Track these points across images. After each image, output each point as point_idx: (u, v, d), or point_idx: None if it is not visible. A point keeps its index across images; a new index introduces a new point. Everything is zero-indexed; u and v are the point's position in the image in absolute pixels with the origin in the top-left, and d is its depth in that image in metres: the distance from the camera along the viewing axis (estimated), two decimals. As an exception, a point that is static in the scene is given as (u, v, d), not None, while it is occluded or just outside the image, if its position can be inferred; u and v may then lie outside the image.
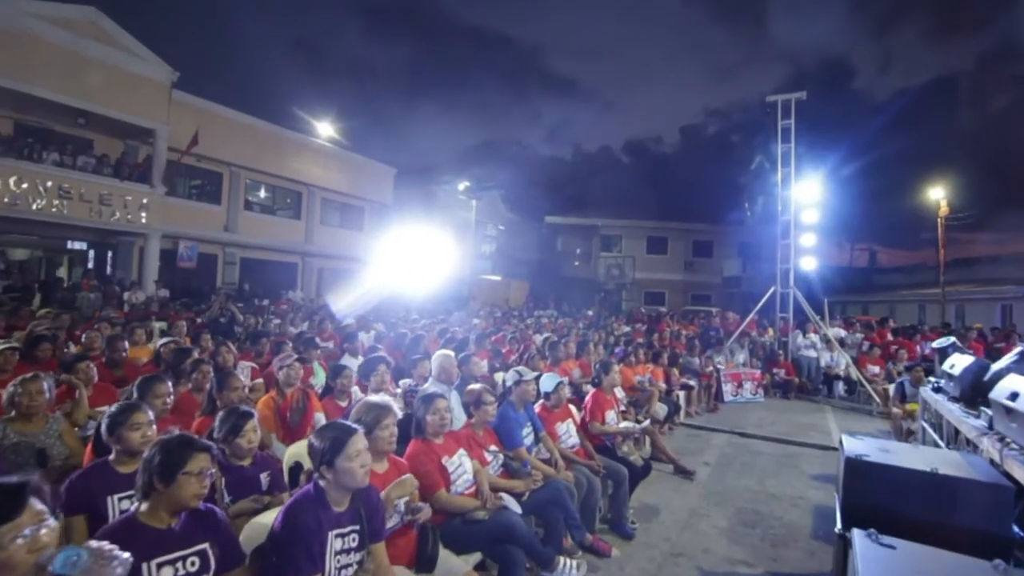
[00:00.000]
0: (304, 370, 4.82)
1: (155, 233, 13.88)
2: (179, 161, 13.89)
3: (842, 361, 9.61)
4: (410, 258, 19.85)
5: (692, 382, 8.03)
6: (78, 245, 14.98)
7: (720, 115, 76.19)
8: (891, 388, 6.60)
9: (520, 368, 3.48)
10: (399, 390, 4.79)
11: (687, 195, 31.84)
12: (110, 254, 14.73)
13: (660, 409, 5.89)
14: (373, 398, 2.30)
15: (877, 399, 8.25)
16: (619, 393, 5.16)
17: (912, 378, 5.97)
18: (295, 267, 19.48)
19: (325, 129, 20.54)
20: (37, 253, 16.20)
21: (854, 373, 9.13)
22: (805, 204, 10.02)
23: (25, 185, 11.48)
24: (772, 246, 10.78)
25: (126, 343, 4.32)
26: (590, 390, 4.28)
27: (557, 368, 5.64)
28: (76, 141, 13.34)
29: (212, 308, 7.58)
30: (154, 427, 2.17)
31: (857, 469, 2.57)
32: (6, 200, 11.24)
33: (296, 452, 2.96)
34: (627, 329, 11.66)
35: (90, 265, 14.60)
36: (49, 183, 11.80)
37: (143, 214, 13.45)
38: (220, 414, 2.38)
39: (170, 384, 2.76)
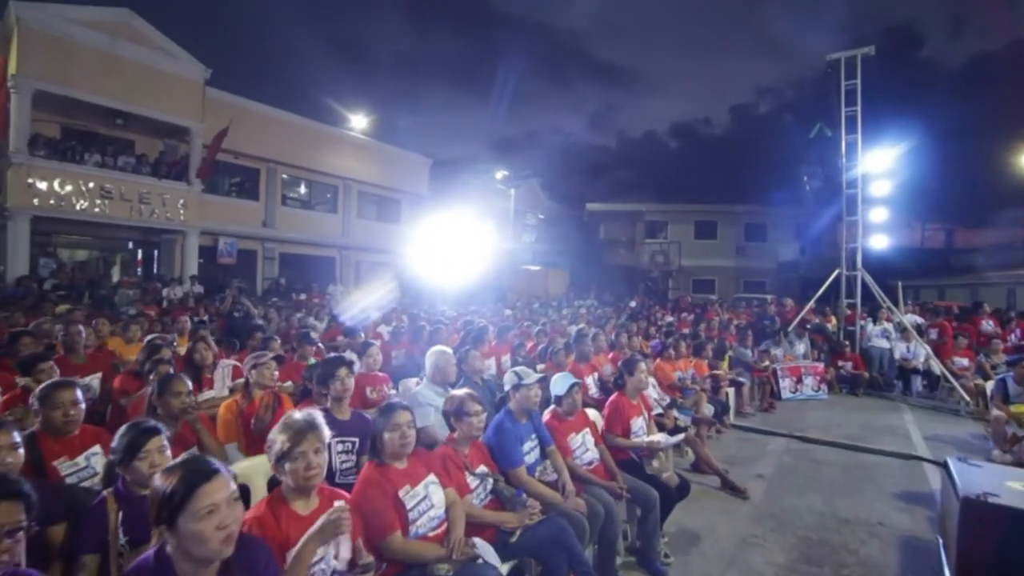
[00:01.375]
0: (294, 368, 4.41)
1: (193, 230, 14.07)
2: (212, 158, 13.96)
3: (921, 352, 8.42)
4: (447, 249, 19.53)
5: (743, 378, 7.16)
6: (131, 245, 15.46)
7: (772, 93, 71.87)
8: (988, 386, 5.55)
9: (519, 369, 2.87)
10: (394, 391, 4.29)
11: (738, 177, 29.97)
12: (156, 252, 15.11)
13: (708, 411, 5.13)
14: (296, 415, 1.75)
15: (967, 397, 7.10)
16: (652, 394, 4.47)
17: (1017, 375, 4.94)
18: (333, 261, 19.53)
19: (360, 122, 20.47)
20: (95, 253, 16.87)
21: (936, 366, 7.96)
22: (875, 175, 8.81)
23: (69, 187, 11.79)
24: (833, 226, 9.63)
25: (81, 336, 3.99)
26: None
27: (584, 364, 4.98)
28: (118, 142, 13.65)
29: (224, 303, 7.38)
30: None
31: (980, 514, 1.81)
32: (51, 201, 11.57)
33: (247, 469, 2.47)
34: (671, 319, 10.78)
35: (139, 264, 15.02)
36: (91, 184, 12.08)
37: (181, 211, 13.65)
38: (120, 428, 1.90)
39: (78, 391, 2.33)
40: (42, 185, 11.43)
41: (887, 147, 9.04)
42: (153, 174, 13.36)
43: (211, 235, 15.44)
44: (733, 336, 8.38)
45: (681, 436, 3.55)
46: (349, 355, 3.92)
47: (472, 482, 2.33)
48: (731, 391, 6.62)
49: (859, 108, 8.72)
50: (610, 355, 5.96)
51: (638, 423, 3.33)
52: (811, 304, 9.99)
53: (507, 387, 2.85)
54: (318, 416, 1.77)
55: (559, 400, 3.07)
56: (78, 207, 11.95)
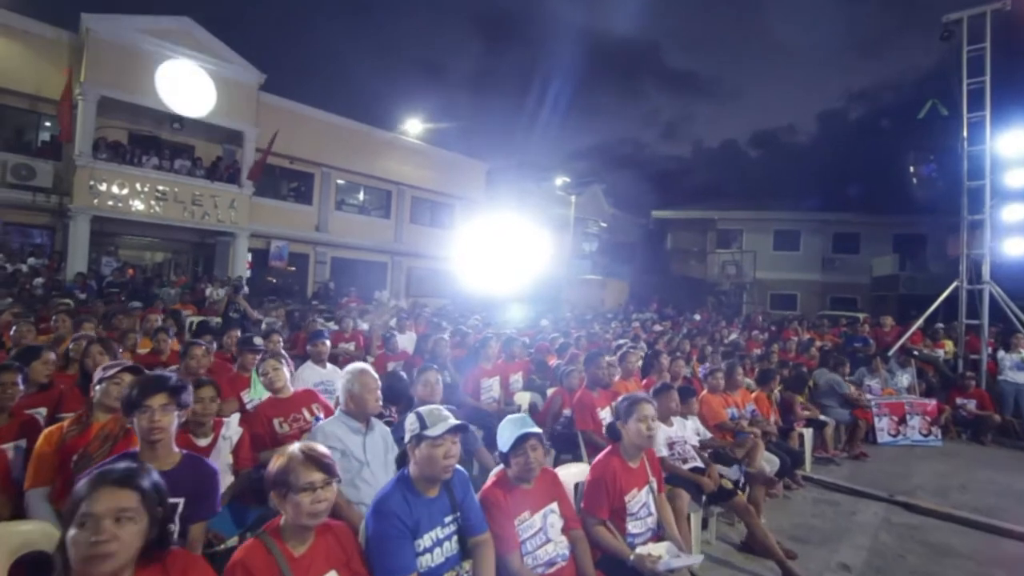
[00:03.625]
0: (238, 380, 3.63)
1: (243, 232, 14.20)
2: (263, 161, 14.05)
3: (1076, 392, 6.42)
4: (501, 257, 18.77)
5: (832, 414, 5.65)
6: (190, 247, 15.97)
7: (865, 98, 65.65)
8: None
9: (424, 410, 1.85)
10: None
11: (825, 184, 26.97)
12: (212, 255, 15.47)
13: (768, 465, 3.79)
14: None
15: None
16: (691, 439, 3.29)
17: None
18: (385, 266, 19.34)
19: (415, 126, 20.27)
20: (168, 255, 17.67)
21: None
22: (1008, 161, 6.92)
23: (127, 189, 12.16)
24: (944, 233, 7.74)
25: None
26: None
27: (599, 393, 3.85)
28: (180, 147, 14.08)
29: (219, 303, 6.94)
30: None
31: None
32: (110, 203, 11.96)
33: (29, 534, 1.65)
34: (735, 336, 9.22)
35: (191, 265, 15.42)
36: (147, 185, 12.41)
37: (231, 214, 13.79)
38: None
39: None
40: (102, 187, 11.84)
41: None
42: (207, 177, 13.63)
43: (264, 238, 15.62)
44: (813, 361, 6.82)
45: (696, 561, 2.17)
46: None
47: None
48: (808, 432, 5.17)
49: (987, 79, 6.90)
50: (644, 381, 4.76)
51: (638, 499, 2.19)
52: (918, 325, 8.11)
53: (406, 436, 1.84)
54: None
55: (506, 459, 2.02)
56: (134, 208, 12.29)
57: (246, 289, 9.76)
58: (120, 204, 12.09)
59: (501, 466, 2.06)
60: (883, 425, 6.36)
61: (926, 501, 4.32)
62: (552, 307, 17.39)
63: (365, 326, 7.78)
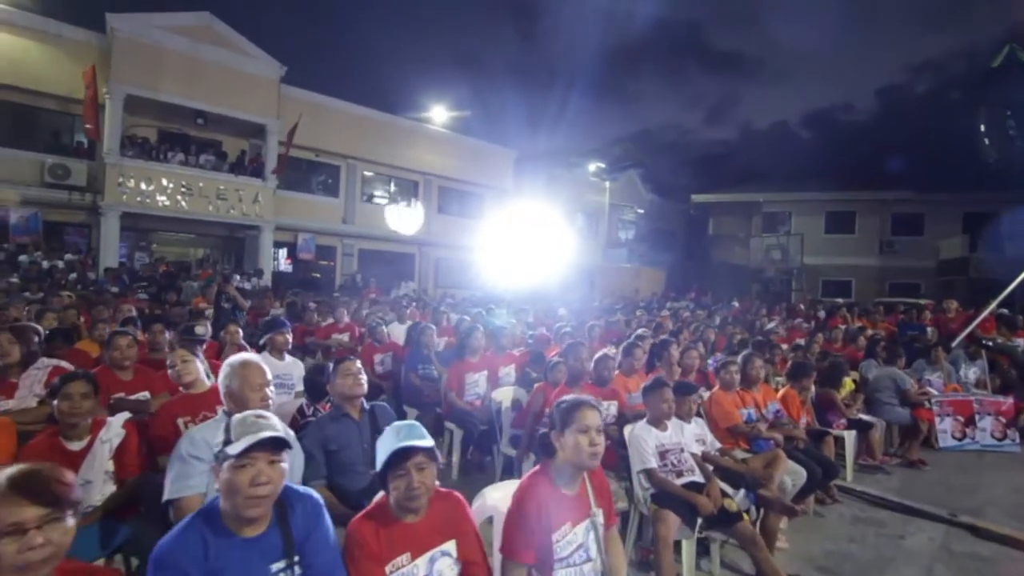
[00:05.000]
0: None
1: (268, 225, 14.27)
2: (286, 153, 14.03)
3: None
4: (531, 246, 18.24)
5: (879, 415, 4.85)
6: (219, 241, 16.25)
7: (932, 69, 60.45)
8: None
9: (238, 417, 1.35)
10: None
11: (886, 163, 24.76)
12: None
13: (790, 479, 3.11)
14: None
15: None
16: (693, 446, 2.70)
17: None
18: (412, 257, 19.18)
19: (440, 115, 19.92)
20: (204, 250, 18.09)
21: None
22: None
23: (153, 184, 12.37)
24: (1020, 209, 6.61)
25: None
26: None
27: (578, 389, 3.29)
28: (208, 143, 14.25)
29: (209, 293, 6.75)
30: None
31: None
32: (138, 198, 12.20)
33: None
34: (772, 325, 8.34)
35: (212, 260, 15.63)
36: (173, 181, 12.59)
37: (256, 207, 13.86)
38: None
39: None
40: (130, 183, 12.09)
41: None
42: (232, 172, 13.74)
43: (291, 231, 15.70)
44: (860, 352, 5.97)
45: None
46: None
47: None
48: (849, 436, 4.40)
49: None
50: (648, 374, 4.14)
51: (571, 538, 1.61)
52: (990, 310, 7.03)
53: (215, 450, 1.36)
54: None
55: (383, 481, 1.52)
56: (161, 203, 12.50)
57: (237, 278, 9.71)
58: (148, 200, 12.32)
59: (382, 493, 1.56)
60: (946, 427, 5.46)
61: (998, 524, 3.52)
62: (584, 297, 16.77)
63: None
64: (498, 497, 1.86)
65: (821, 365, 5.08)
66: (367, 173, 17.75)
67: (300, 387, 3.87)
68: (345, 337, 6.19)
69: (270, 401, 2.06)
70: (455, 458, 4.13)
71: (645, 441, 2.75)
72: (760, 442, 3.28)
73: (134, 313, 4.83)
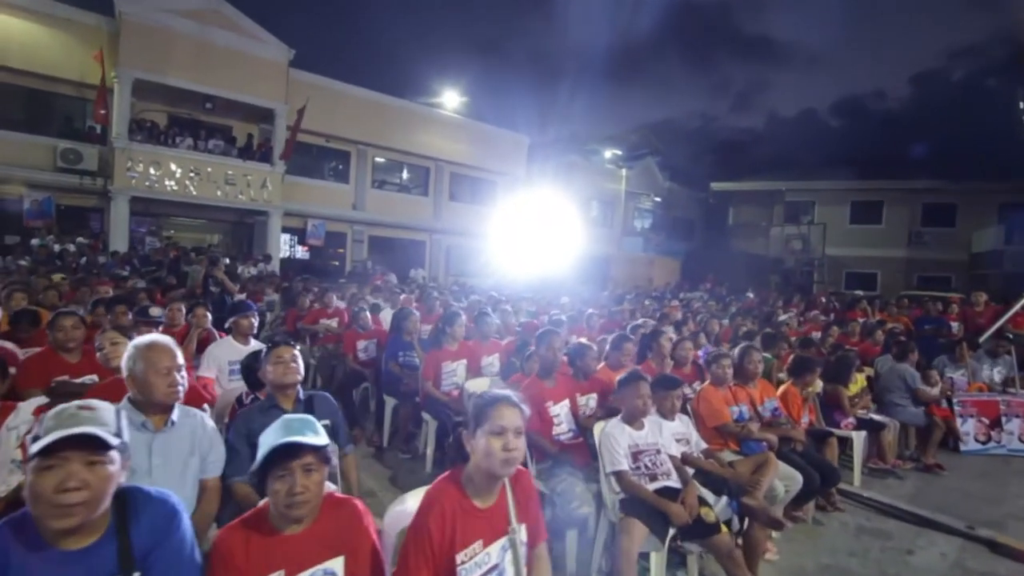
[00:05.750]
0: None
1: (276, 211, 14.22)
2: (293, 137, 13.92)
3: None
4: (544, 235, 17.95)
5: (892, 416, 4.48)
6: (230, 226, 16.29)
7: (971, 55, 57.60)
8: None
9: (53, 411, 1.11)
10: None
11: (916, 150, 23.66)
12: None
13: (783, 485, 2.80)
14: None
15: None
16: (670, 448, 2.44)
17: None
18: (423, 245, 19.03)
19: (452, 100, 19.63)
20: (217, 235, 18.20)
21: None
22: None
23: (161, 169, 12.38)
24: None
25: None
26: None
27: (552, 382, 3.03)
28: (217, 128, 14.22)
29: (196, 276, 6.64)
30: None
31: None
32: (147, 183, 12.22)
33: None
34: (785, 317, 7.92)
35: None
36: (181, 166, 12.59)
37: (264, 192, 13.81)
38: None
39: None
40: (139, 168, 12.11)
41: None
42: (240, 157, 13.69)
43: (301, 217, 15.65)
44: (878, 347, 5.57)
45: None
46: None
47: None
48: (858, 436, 4.06)
49: None
50: (638, 366, 3.86)
51: (480, 559, 1.35)
52: (1022, 304, 6.51)
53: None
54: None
55: (261, 485, 1.29)
56: (169, 188, 12.52)
57: (227, 261, 9.65)
58: (156, 184, 12.34)
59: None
60: (969, 429, 5.05)
61: (1021, 540, 3.17)
62: (597, 286, 16.44)
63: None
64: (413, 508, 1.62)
65: (831, 361, 4.72)
66: (378, 159, 17.58)
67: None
68: (334, 323, 6.02)
69: (179, 388, 1.85)
70: (429, 451, 3.92)
71: (616, 440, 2.49)
72: (751, 444, 2.97)
73: (111, 294, 4.72)
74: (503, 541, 1.43)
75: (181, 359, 1.91)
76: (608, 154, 25.56)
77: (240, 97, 13.42)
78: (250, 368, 2.55)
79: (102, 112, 11.69)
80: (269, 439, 1.32)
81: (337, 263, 16.69)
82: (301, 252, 16.67)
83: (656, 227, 25.68)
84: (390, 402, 4.40)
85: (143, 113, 13.04)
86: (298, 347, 2.42)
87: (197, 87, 12.84)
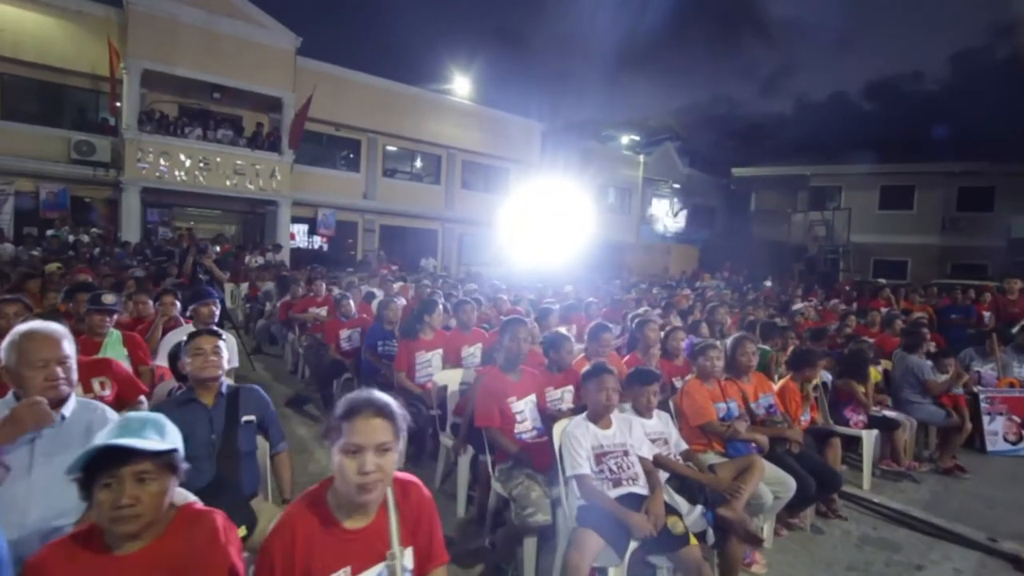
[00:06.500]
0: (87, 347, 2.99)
1: (285, 200, 14.20)
2: (300, 125, 13.84)
3: None
4: (558, 223, 17.59)
5: (907, 413, 4.10)
6: (242, 216, 16.36)
7: (1017, 30, 54.39)
8: None
9: None
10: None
11: (953, 131, 22.41)
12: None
13: (772, 491, 2.51)
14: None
15: None
16: (643, 450, 2.18)
17: None
18: (435, 233, 18.89)
19: (464, 86, 19.34)
20: (231, 226, 18.34)
21: None
22: None
23: (171, 160, 12.44)
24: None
25: None
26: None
27: (517, 376, 2.78)
28: (228, 118, 14.22)
29: (185, 264, 6.56)
30: None
31: None
32: (157, 174, 12.29)
33: None
34: (800, 306, 7.49)
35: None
36: (190, 156, 12.62)
37: (273, 182, 13.79)
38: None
39: None
40: (149, 158, 12.18)
41: None
42: (249, 146, 13.67)
43: (311, 207, 15.64)
44: (896, 338, 5.16)
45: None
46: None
47: None
48: (868, 436, 3.71)
49: None
50: (625, 358, 3.59)
51: None
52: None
53: None
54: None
55: (89, 494, 1.09)
56: (179, 178, 12.58)
57: (217, 248, 9.62)
58: (166, 175, 12.40)
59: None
60: (996, 428, 4.63)
61: (1049, 553, 2.81)
62: (615, 275, 16.08)
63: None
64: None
65: (844, 352, 4.36)
66: (389, 148, 17.43)
67: (234, 363, 3.54)
68: (323, 311, 5.87)
69: (60, 383, 1.66)
70: (401, 445, 3.71)
71: (578, 441, 2.23)
72: (738, 444, 2.68)
73: (90, 280, 4.65)
74: (379, 568, 1.20)
75: (69, 350, 1.72)
76: (625, 140, 24.97)
77: (247, 86, 13.38)
78: (176, 358, 2.37)
79: (117, 104, 11.78)
80: (100, 439, 1.11)
81: (354, 253, 16.67)
82: (320, 243, 16.68)
83: (673, 214, 25.06)
84: (368, 394, 4.21)
85: (155, 104, 13.11)
86: (225, 336, 2.23)
87: (204, 76, 12.83)
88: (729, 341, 3.16)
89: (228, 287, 10.56)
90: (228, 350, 3.47)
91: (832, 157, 21.74)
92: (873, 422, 3.83)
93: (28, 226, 11.92)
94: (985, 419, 4.63)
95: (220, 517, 1.23)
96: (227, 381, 2.19)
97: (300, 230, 16.41)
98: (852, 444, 3.99)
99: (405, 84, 17.01)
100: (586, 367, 2.42)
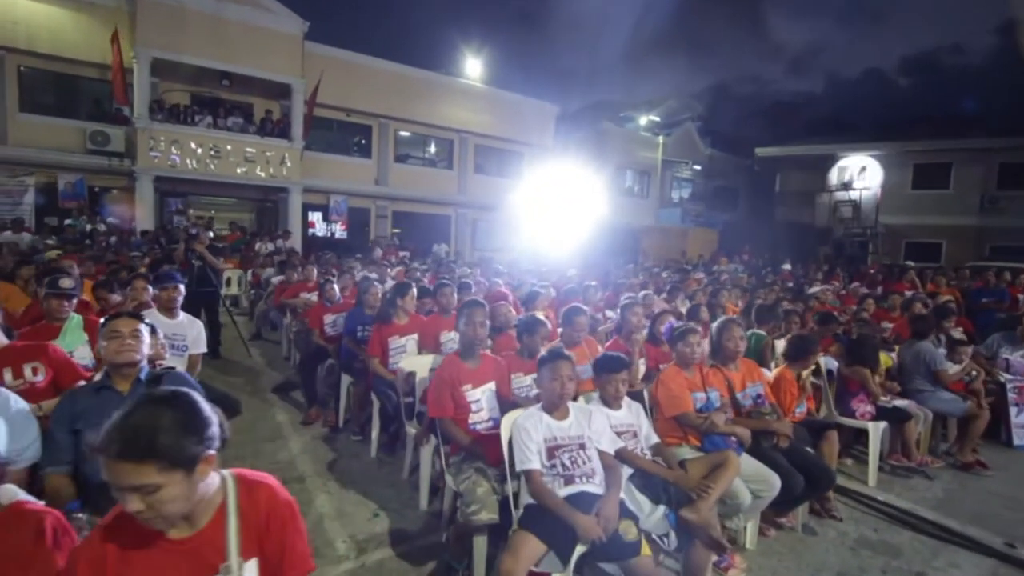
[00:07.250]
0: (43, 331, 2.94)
1: (296, 187, 14.20)
2: (309, 112, 13.77)
3: None
4: (573, 207, 17.23)
5: (929, 401, 3.78)
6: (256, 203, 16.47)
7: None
8: None
9: None
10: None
11: (994, 106, 21.13)
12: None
13: (750, 490, 2.27)
14: None
15: None
16: (603, 444, 1.97)
17: None
18: (448, 219, 18.74)
19: (475, 68, 18.97)
20: (246, 214, 18.48)
21: None
22: None
23: (182, 148, 12.52)
24: None
25: None
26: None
27: (474, 363, 2.58)
28: (238, 106, 14.24)
29: (178, 251, 6.51)
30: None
31: None
32: (168, 162, 12.40)
33: None
34: (815, 290, 7.08)
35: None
36: (201, 144, 12.68)
37: (283, 169, 13.79)
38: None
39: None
40: (160, 147, 12.28)
41: None
42: (259, 133, 13.67)
43: (323, 193, 15.63)
44: (904, 327, 4.79)
45: None
46: None
47: None
48: (875, 428, 3.41)
49: None
50: (607, 344, 3.36)
51: None
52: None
53: None
54: None
55: None
56: (190, 166, 12.66)
57: (211, 234, 9.58)
58: (177, 163, 12.49)
59: None
60: (1022, 421, 4.25)
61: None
62: (631, 259, 15.72)
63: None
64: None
65: (851, 338, 4.04)
66: (401, 133, 17.27)
67: (199, 349, 3.45)
68: (314, 296, 5.76)
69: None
70: (375, 434, 3.58)
71: (528, 433, 2.03)
72: (715, 438, 2.43)
73: (75, 269, 4.61)
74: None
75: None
76: (644, 121, 24.25)
77: (255, 72, 13.33)
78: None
79: (124, 94, 11.86)
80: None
81: (373, 238, 16.60)
82: (339, 230, 16.60)
83: (695, 197, 24.35)
84: (346, 380, 4.09)
85: (167, 93, 13.19)
86: (146, 321, 2.09)
87: (212, 63, 12.82)
88: (715, 325, 2.90)
89: (236, 273, 10.64)
90: (191, 337, 3.39)
91: (862, 135, 20.74)
92: (882, 413, 3.52)
93: (48, 216, 12.20)
94: (1012, 410, 4.26)
95: (51, 518, 1.07)
96: (165, 366, 2.05)
97: (318, 217, 16.40)
98: (861, 437, 3.71)
99: (416, 68, 16.76)
100: (541, 353, 2.21)
